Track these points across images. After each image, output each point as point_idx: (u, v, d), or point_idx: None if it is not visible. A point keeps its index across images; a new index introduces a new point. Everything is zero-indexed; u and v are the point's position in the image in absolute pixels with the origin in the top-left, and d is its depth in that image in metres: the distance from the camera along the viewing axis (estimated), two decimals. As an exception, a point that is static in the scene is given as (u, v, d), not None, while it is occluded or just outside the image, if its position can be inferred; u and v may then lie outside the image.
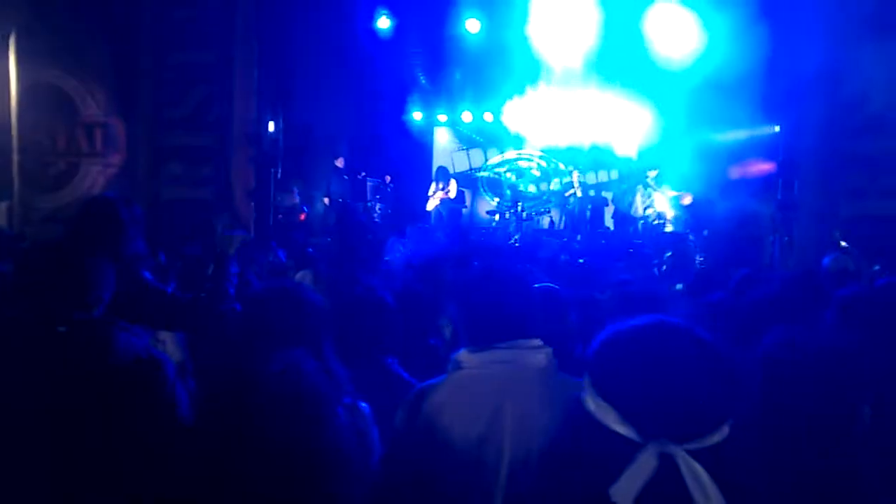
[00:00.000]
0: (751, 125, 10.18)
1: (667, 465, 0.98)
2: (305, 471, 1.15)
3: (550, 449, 1.18)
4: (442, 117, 13.33)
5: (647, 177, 11.73)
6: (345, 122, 11.21)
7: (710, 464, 0.98)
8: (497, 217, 12.45)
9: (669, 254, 9.80)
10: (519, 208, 12.06)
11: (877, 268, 5.06)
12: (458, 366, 1.90)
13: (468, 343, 1.91)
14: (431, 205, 12.08)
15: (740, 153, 10.59)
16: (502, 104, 12.23)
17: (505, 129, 12.57)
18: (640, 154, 12.29)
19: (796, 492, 1.13)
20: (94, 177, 8.25)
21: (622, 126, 11.93)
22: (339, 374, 1.72)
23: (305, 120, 10.49)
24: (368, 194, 11.75)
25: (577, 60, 11.03)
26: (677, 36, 10.23)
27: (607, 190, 13.17)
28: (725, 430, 1.01)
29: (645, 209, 11.53)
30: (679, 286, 5.60)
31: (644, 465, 0.98)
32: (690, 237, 10.14)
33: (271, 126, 9.68)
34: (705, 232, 9.95)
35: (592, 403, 1.07)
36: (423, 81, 12.29)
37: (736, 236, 9.95)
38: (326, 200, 10.58)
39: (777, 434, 1.22)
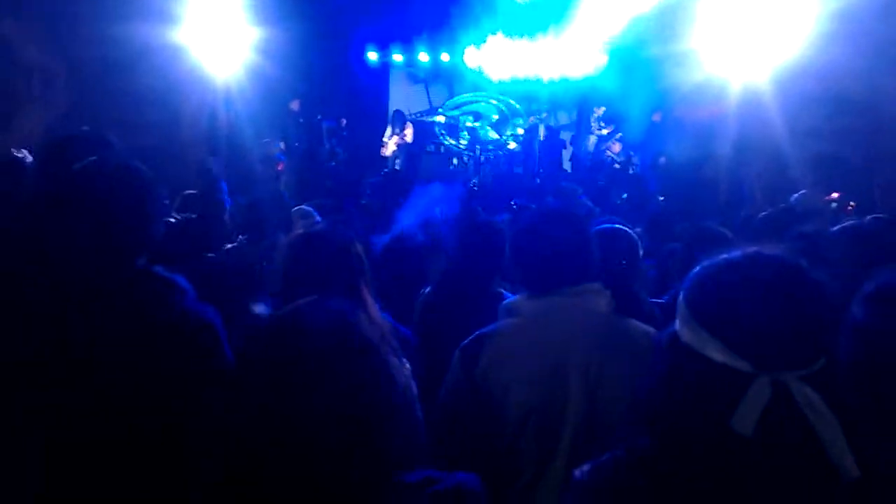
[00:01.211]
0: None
1: (780, 393, 1.00)
2: (362, 425, 1.10)
3: (646, 389, 1.14)
4: (397, 57, 13.02)
5: (593, 114, 11.74)
6: (298, 62, 10.82)
7: (817, 388, 1.00)
8: (455, 161, 12.34)
9: (625, 196, 9.92)
10: (477, 152, 11.97)
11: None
12: (516, 312, 1.84)
13: (526, 288, 1.85)
14: (388, 150, 11.88)
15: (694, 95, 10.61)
16: (462, 47, 11.98)
17: (463, 67, 12.35)
18: (594, 90, 12.22)
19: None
20: (35, 122, 7.85)
21: (579, 60, 11.83)
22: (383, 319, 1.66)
23: (257, 60, 10.09)
24: (325, 138, 11.47)
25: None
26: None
27: (566, 131, 13.14)
28: (825, 357, 1.03)
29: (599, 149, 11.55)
30: (637, 229, 5.67)
31: (759, 394, 0.99)
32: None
33: (222, 68, 9.29)
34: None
35: (692, 335, 1.07)
36: (378, 20, 11.91)
37: (692, 177, 10.09)
38: (282, 145, 10.30)
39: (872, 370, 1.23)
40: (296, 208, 3.89)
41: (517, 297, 1.88)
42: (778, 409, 0.99)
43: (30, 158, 4.89)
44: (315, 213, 4.05)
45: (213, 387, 1.59)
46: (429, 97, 13.47)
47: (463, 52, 12.12)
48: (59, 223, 1.70)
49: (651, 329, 1.85)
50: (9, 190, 3.77)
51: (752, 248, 1.10)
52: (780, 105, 8.46)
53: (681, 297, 1.12)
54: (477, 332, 1.86)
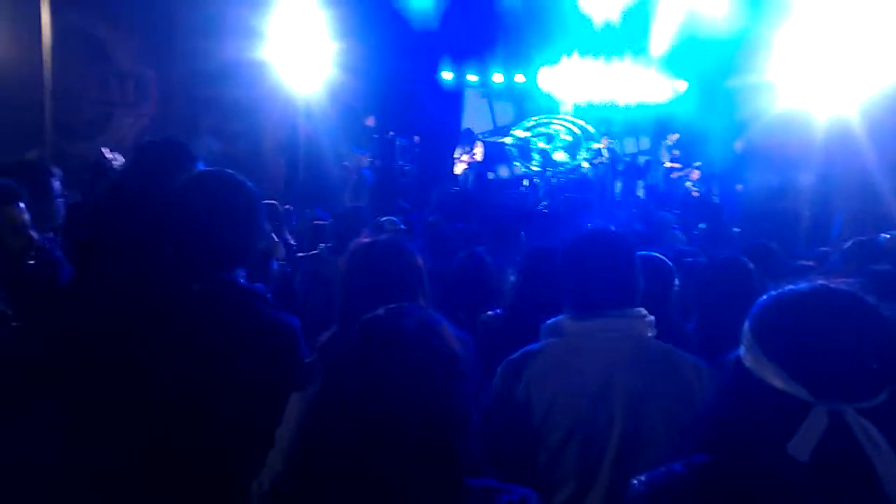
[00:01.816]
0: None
1: (837, 423, 1.02)
2: (443, 429, 1.14)
3: (708, 409, 1.22)
4: (472, 77, 13.11)
5: (665, 140, 11.54)
6: (376, 79, 11.03)
7: (877, 422, 1.02)
8: (526, 182, 12.31)
9: (703, 225, 9.66)
10: (548, 173, 11.91)
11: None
12: (560, 332, 1.87)
13: (572, 310, 1.87)
14: (459, 168, 11.94)
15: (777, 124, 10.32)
16: (536, 68, 12.00)
17: (536, 91, 12.35)
18: (671, 114, 12.03)
19: None
20: (127, 127, 8.19)
21: (657, 86, 11.69)
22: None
23: (336, 76, 10.33)
24: (397, 155, 11.62)
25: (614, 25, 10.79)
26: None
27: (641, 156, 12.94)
28: (889, 390, 1.05)
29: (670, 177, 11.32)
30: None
31: (816, 422, 1.03)
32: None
33: (304, 82, 9.53)
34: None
35: (754, 361, 1.11)
36: (455, 40, 12.04)
37: (771, 208, 9.77)
38: (366, 160, 10.47)
39: None
40: (385, 218, 3.92)
41: (561, 317, 1.90)
42: (835, 439, 1.01)
43: (120, 160, 5.10)
44: (400, 224, 4.07)
45: (293, 389, 1.63)
46: (493, 116, 13.52)
47: (536, 73, 12.13)
48: (162, 231, 1.75)
49: (691, 356, 1.88)
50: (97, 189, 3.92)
51: (819, 281, 1.14)
52: (871, 136, 8.13)
53: (747, 323, 1.16)
54: (522, 350, 1.89)
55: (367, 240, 1.93)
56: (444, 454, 1.14)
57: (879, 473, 1.00)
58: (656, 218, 6.57)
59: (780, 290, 1.15)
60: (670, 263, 2.72)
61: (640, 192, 12.43)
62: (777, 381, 1.07)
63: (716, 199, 10.98)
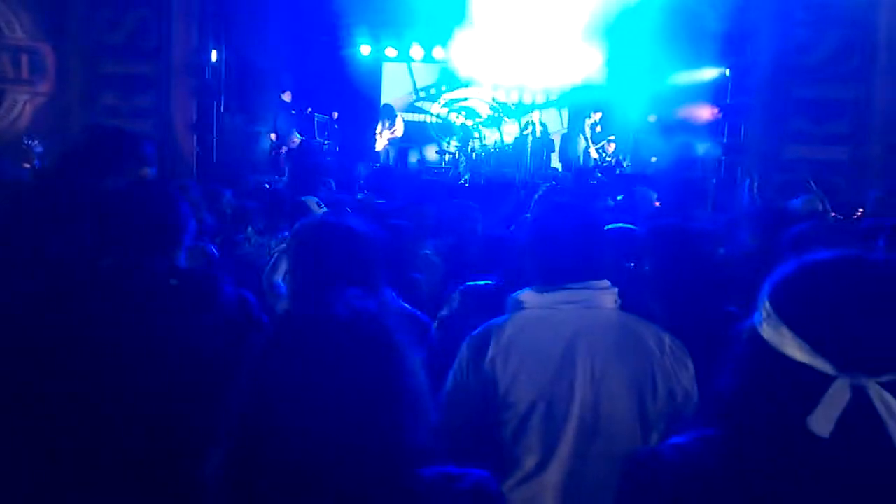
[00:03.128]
0: (701, 66, 10.25)
1: (859, 397, 0.99)
2: (384, 417, 1.10)
3: (723, 381, 1.14)
4: (390, 51, 12.95)
5: (588, 117, 11.76)
6: (291, 54, 10.75)
7: None
8: (447, 157, 12.32)
9: (621, 196, 9.94)
10: (469, 148, 11.95)
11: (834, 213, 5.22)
12: (524, 305, 1.87)
13: (537, 282, 1.87)
14: (380, 144, 11.84)
15: (688, 96, 10.69)
16: (452, 36, 11.94)
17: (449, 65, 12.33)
18: (586, 92, 12.27)
19: None
20: (22, 105, 7.72)
21: (572, 68, 11.86)
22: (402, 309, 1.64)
23: (250, 50, 10.00)
24: (316, 131, 11.40)
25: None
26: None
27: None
28: None
29: (598, 150, 11.58)
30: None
31: (838, 396, 0.99)
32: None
33: (213, 55, 9.19)
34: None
35: (773, 333, 1.07)
36: (371, 11, 11.84)
37: (682, 179, 10.14)
38: (273, 136, 10.22)
39: None
40: (307, 197, 3.85)
41: (525, 290, 1.91)
42: (856, 414, 0.99)
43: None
44: (323, 205, 4.01)
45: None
46: (413, 82, 13.43)
47: (450, 48, 12.08)
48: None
49: (658, 327, 1.89)
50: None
51: (847, 250, 1.09)
52: (772, 106, 8.53)
53: (765, 291, 1.12)
54: (485, 324, 1.89)
55: (314, 220, 1.89)
56: (387, 444, 1.09)
57: None
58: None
59: (802, 258, 1.11)
60: (637, 237, 2.70)
61: (557, 166, 12.66)
62: (798, 353, 1.03)
63: (623, 171, 11.31)
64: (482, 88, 13.01)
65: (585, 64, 11.92)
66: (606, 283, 1.87)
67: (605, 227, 2.15)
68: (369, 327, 1.14)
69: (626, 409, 1.76)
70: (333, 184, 7.00)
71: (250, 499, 1.09)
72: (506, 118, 13.11)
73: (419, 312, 2.29)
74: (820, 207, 4.42)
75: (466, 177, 11.24)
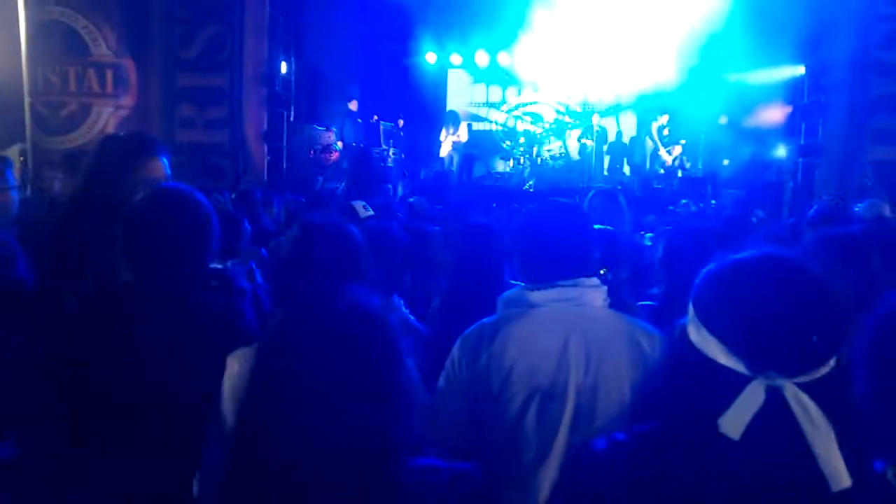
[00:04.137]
0: (775, 65, 9.89)
1: (775, 399, 0.99)
2: (378, 410, 1.13)
3: (652, 378, 1.19)
4: (455, 58, 13.04)
5: (655, 120, 11.50)
6: (358, 63, 10.98)
7: (818, 397, 0.99)
8: (511, 162, 12.30)
9: (685, 201, 9.70)
10: (534, 153, 11.90)
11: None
12: (516, 303, 1.88)
13: (526, 280, 1.89)
14: (444, 150, 11.93)
15: (764, 95, 10.34)
16: (517, 41, 11.92)
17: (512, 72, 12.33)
18: (655, 97, 12.02)
19: None
20: (107, 118, 8.15)
21: (643, 73, 11.64)
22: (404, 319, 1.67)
23: (318, 61, 10.28)
24: (382, 138, 11.61)
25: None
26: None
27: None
28: (832, 363, 1.01)
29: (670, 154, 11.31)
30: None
31: (752, 398, 1.00)
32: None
33: (283, 67, 9.49)
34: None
35: (696, 335, 1.08)
36: (436, 19, 11.96)
37: (756, 182, 9.81)
38: (340, 144, 10.46)
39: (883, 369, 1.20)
40: (356, 201, 3.93)
41: (516, 289, 1.92)
42: (771, 415, 0.98)
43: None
44: (370, 209, 4.08)
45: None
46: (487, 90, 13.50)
47: (514, 54, 12.07)
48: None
49: (644, 323, 1.90)
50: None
51: (762, 249, 1.09)
52: (852, 105, 8.14)
53: (692, 294, 1.12)
54: (478, 323, 1.91)
55: (308, 221, 1.95)
56: (380, 436, 1.12)
57: (815, 452, 0.97)
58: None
59: (721, 260, 1.11)
60: (619, 239, 2.70)
61: (626, 171, 12.44)
62: (718, 355, 1.04)
63: (699, 175, 11.02)
64: (547, 94, 12.92)
65: (655, 68, 11.68)
66: (596, 280, 1.89)
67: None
68: (367, 320, 1.16)
69: (620, 406, 1.77)
70: (391, 189, 7.09)
71: (247, 487, 1.12)
72: (569, 122, 12.96)
73: (419, 324, 2.31)
74: (887, 212, 4.20)
75: (531, 183, 11.18)
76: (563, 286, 1.85)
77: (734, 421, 0.99)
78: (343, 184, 8.58)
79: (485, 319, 1.91)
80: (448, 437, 1.83)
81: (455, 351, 1.90)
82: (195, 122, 8.35)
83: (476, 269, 2.54)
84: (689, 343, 1.08)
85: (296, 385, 1.12)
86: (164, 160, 2.39)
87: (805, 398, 0.98)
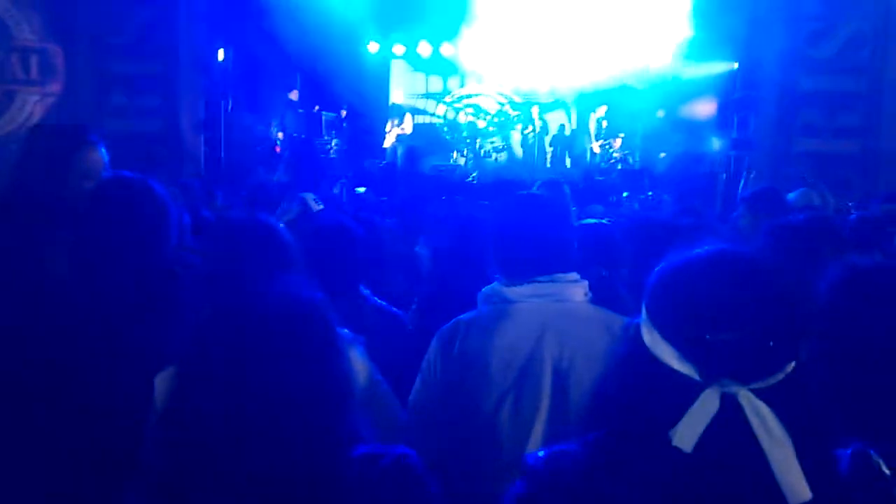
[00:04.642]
0: (708, 61, 10.17)
1: (730, 407, 0.94)
2: (319, 407, 1.10)
3: (604, 382, 1.12)
4: (398, 49, 12.96)
5: (593, 111, 11.71)
6: (299, 52, 10.76)
7: (775, 403, 0.93)
8: (455, 154, 12.31)
9: (626, 194, 9.90)
10: (477, 145, 11.95)
11: (851, 204, 5.14)
12: (493, 299, 1.86)
13: (504, 275, 1.86)
14: (388, 141, 11.86)
15: (696, 90, 10.62)
16: (460, 34, 11.93)
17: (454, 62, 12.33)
18: (596, 91, 12.21)
19: (864, 425, 1.07)
20: (32, 106, 7.79)
21: (582, 65, 11.79)
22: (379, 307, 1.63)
23: (257, 49, 10.04)
24: (324, 129, 11.44)
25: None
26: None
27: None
28: (790, 366, 0.96)
29: (603, 147, 11.53)
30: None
31: (705, 408, 0.94)
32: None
33: (221, 55, 9.23)
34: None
35: (648, 336, 1.02)
36: (379, 8, 11.84)
37: (690, 173, 10.08)
38: (280, 135, 10.27)
39: (846, 369, 1.18)
40: (305, 193, 3.85)
41: (495, 284, 1.89)
42: (725, 425, 0.93)
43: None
44: (320, 202, 4.02)
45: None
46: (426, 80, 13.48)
47: (458, 44, 12.06)
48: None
49: (625, 319, 1.86)
50: None
51: (716, 245, 1.02)
52: (781, 100, 8.45)
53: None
54: (455, 319, 1.88)
55: (234, 218, 1.91)
56: (322, 429, 1.09)
57: (770, 460, 0.92)
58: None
59: (672, 257, 1.05)
60: (613, 232, 2.66)
61: (567, 163, 12.62)
62: (671, 360, 0.98)
63: (636, 167, 11.26)
64: (489, 85, 12.97)
65: (595, 62, 11.85)
66: (575, 275, 1.85)
67: (579, 222, 2.12)
68: (301, 313, 1.13)
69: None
70: (341, 185, 7.01)
71: (180, 485, 1.08)
72: (512, 114, 13.06)
73: (392, 308, 2.29)
74: (817, 201, 4.35)
75: (474, 175, 11.22)
76: (539, 282, 1.82)
77: (686, 433, 0.94)
78: (279, 174, 8.43)
79: (461, 315, 1.88)
80: (425, 435, 1.80)
81: (431, 345, 1.87)
82: (127, 111, 8.05)
83: (462, 263, 2.50)
84: (642, 344, 1.02)
85: (226, 380, 1.08)
86: (102, 150, 2.27)
87: (762, 406, 0.93)
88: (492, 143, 12.18)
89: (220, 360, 1.10)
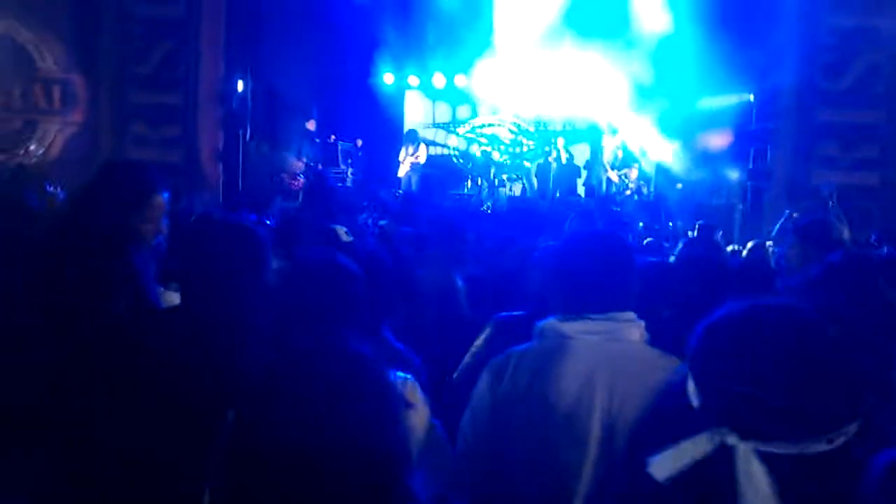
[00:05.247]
0: (725, 93, 10.21)
1: (725, 458, 0.93)
2: (376, 472, 1.07)
3: (641, 426, 1.11)
4: (413, 80, 13.08)
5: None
6: (315, 82, 10.89)
7: (792, 473, 0.90)
8: (469, 184, 12.33)
9: (641, 224, 9.88)
10: (491, 174, 11.97)
11: (874, 238, 5.11)
12: (547, 334, 1.85)
13: (561, 310, 1.85)
14: (402, 170, 11.90)
15: (713, 121, 10.64)
16: (474, 66, 12.04)
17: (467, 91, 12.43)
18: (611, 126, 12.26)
19: None
20: (53, 135, 7.88)
21: (597, 94, 11.85)
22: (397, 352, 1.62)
23: (275, 80, 10.16)
24: (340, 159, 11.50)
25: (550, 20, 10.93)
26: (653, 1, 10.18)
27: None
28: (839, 439, 0.92)
29: (621, 176, 11.52)
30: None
31: (694, 448, 0.95)
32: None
33: (240, 86, 9.34)
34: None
35: (691, 387, 1.03)
36: (394, 41, 11.99)
37: (706, 204, 10.06)
38: (300, 165, 10.33)
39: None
40: (337, 226, 3.82)
41: (550, 318, 1.88)
42: (712, 472, 0.93)
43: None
44: (352, 235, 3.98)
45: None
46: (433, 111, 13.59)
47: (472, 75, 12.17)
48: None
49: (678, 361, 1.85)
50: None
51: (758, 301, 1.03)
52: (799, 131, 8.45)
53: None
54: (507, 351, 1.88)
55: (308, 256, 1.89)
56: (377, 492, 1.07)
57: None
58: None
59: (719, 310, 1.06)
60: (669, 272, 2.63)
61: (581, 191, 12.61)
62: (693, 398, 1.01)
63: (651, 198, 11.25)
64: (503, 115, 13.05)
65: (610, 92, 11.92)
66: (631, 315, 1.83)
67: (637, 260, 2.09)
68: (359, 376, 1.11)
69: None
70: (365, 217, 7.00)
71: None
72: (526, 143, 13.10)
73: (408, 352, 2.25)
74: (845, 234, 4.32)
75: (489, 203, 11.23)
76: (594, 319, 1.80)
77: (664, 464, 0.96)
78: (299, 204, 8.44)
79: (514, 347, 1.88)
80: (474, 466, 1.79)
81: (482, 376, 1.87)
82: (148, 141, 8.13)
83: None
84: (684, 393, 1.03)
85: (277, 451, 1.06)
86: (167, 196, 2.39)
87: (755, 466, 0.91)
88: (506, 173, 12.22)
89: (276, 418, 1.07)
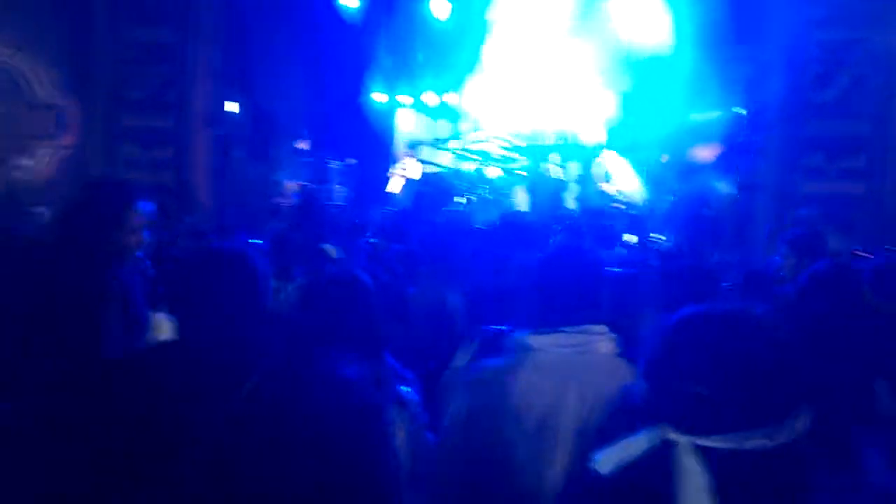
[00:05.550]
0: (713, 107, 10.31)
1: (663, 451, 0.96)
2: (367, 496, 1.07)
3: (597, 428, 1.19)
4: (405, 99, 13.16)
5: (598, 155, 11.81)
6: (307, 103, 10.96)
7: (730, 468, 0.92)
8: (464, 199, 12.37)
9: (626, 236, 9.91)
10: (484, 191, 12.03)
11: (859, 248, 5.14)
12: (521, 347, 1.88)
13: (533, 324, 1.89)
14: (393, 187, 11.94)
15: (701, 134, 10.73)
16: (464, 85, 12.14)
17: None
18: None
19: None
20: (47, 159, 7.90)
21: (586, 110, 11.96)
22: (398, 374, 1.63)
23: (267, 101, 10.23)
24: (332, 178, 11.55)
25: (542, 42, 11.04)
26: (641, 17, 10.30)
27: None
28: (781, 437, 0.94)
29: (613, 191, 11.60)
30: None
31: (635, 444, 0.98)
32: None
33: (232, 107, 9.40)
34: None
35: (641, 386, 1.08)
36: (385, 61, 12.09)
37: (701, 216, 10.11)
38: (296, 185, 10.37)
39: None
40: (326, 245, 3.85)
41: (520, 332, 1.92)
42: (653, 467, 0.96)
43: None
44: (341, 252, 4.02)
45: None
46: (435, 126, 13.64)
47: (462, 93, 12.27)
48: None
49: None
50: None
51: (711, 305, 1.07)
52: (786, 143, 8.53)
53: None
54: (481, 365, 1.92)
55: (325, 275, 1.90)
56: None
57: None
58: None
59: (678, 312, 1.09)
60: (642, 284, 2.68)
61: (571, 206, 12.66)
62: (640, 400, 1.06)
63: (635, 212, 11.32)
64: (494, 131, 13.13)
65: (599, 108, 12.02)
66: (604, 328, 1.87)
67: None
68: (355, 411, 1.09)
69: None
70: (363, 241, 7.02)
71: None
72: (519, 158, 13.18)
73: (402, 369, 2.26)
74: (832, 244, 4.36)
75: (482, 220, 11.26)
76: (567, 332, 1.84)
77: (608, 459, 0.99)
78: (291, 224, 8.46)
79: (488, 361, 1.91)
80: (449, 482, 1.82)
81: (455, 396, 1.90)
82: (139, 163, 8.16)
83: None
84: (637, 390, 1.08)
85: (266, 472, 1.04)
86: (146, 208, 2.48)
87: (692, 462, 0.93)
88: (498, 190, 12.27)
89: (264, 440, 1.06)
